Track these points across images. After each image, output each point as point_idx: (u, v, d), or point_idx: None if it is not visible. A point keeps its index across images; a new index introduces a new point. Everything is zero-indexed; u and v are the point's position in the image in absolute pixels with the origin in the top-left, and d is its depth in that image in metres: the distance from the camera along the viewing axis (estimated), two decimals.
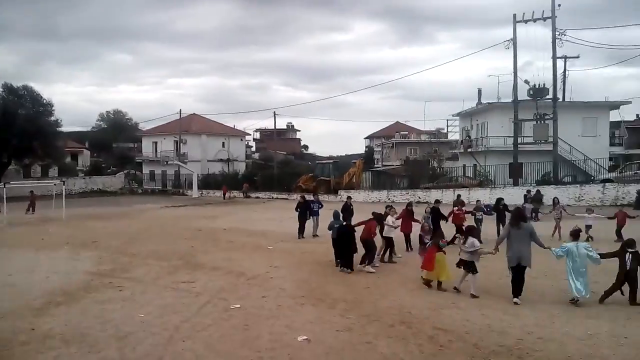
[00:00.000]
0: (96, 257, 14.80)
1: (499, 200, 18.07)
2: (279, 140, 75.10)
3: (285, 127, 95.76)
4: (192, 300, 9.84)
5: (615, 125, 46.01)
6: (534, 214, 21.28)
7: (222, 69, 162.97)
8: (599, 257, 9.32)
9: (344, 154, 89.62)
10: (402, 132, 71.06)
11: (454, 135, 58.85)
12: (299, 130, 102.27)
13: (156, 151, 63.08)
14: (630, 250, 9.31)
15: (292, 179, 46.05)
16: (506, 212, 17.51)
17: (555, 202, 18.93)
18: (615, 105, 42.29)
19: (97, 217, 27.63)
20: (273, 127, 61.30)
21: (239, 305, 9.33)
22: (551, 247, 9.69)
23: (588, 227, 16.38)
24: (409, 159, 54.06)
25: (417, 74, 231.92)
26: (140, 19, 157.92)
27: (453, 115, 52.29)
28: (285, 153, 75.27)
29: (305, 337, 7.52)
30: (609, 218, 16.74)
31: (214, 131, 63.56)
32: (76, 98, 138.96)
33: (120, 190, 55.55)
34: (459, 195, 21.35)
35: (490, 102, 42.02)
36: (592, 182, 33.26)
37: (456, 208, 16.91)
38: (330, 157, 66.81)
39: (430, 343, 7.35)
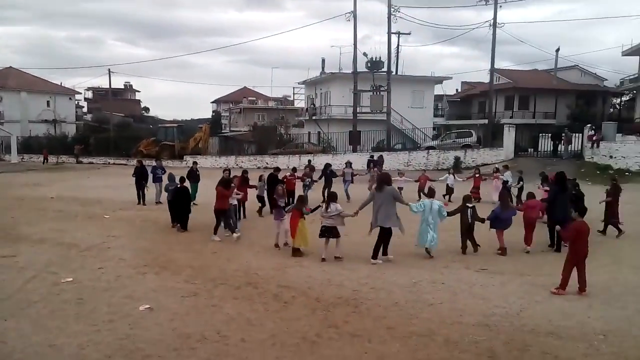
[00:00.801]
0: None
1: (327, 165, 19.06)
2: (115, 100, 69.15)
3: (122, 87, 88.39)
4: (14, 275, 8.80)
5: (438, 98, 51.46)
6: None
7: (45, 17, 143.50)
8: (446, 214, 10.47)
9: (189, 118, 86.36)
10: (250, 98, 70.57)
11: (300, 103, 60.51)
12: (139, 91, 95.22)
13: None
14: (469, 205, 10.76)
15: (132, 143, 43.09)
16: (332, 178, 18.52)
17: (371, 165, 20.61)
18: (439, 80, 47.24)
19: None
20: (108, 86, 56.12)
21: (71, 279, 8.59)
22: (410, 203, 10.33)
23: (400, 188, 18.36)
24: (257, 125, 54.05)
25: (265, 40, 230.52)
26: None
27: (299, 83, 53.54)
28: (123, 115, 69.62)
29: (147, 306, 7.25)
30: (415, 181, 19.05)
31: (37, 88, 56.15)
32: None
33: None
34: (309, 161, 22.03)
35: (333, 72, 43.80)
36: (418, 149, 37.02)
37: (289, 174, 17.20)
38: (174, 121, 63.84)
39: (275, 301, 7.63)
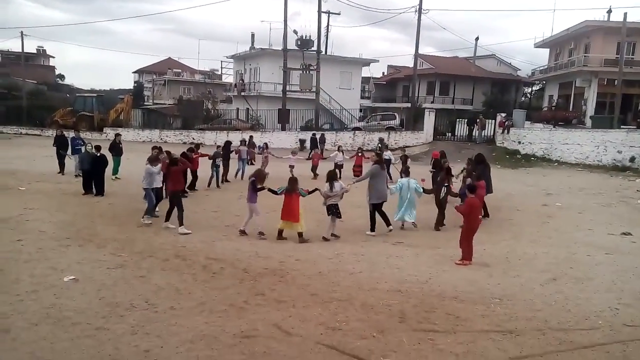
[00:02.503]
0: None
1: (229, 142, 18.74)
2: (27, 66, 64.23)
3: (35, 52, 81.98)
4: None
5: (365, 80, 52.67)
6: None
7: None
8: (422, 191, 11.46)
9: (108, 88, 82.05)
10: (175, 70, 68.19)
11: (228, 78, 59.46)
12: (53, 57, 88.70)
13: None
14: (445, 185, 11.75)
15: (46, 112, 40.56)
16: (230, 155, 18.15)
17: (263, 147, 20.52)
18: (367, 63, 48.36)
19: None
20: (20, 50, 51.98)
21: None
22: (388, 186, 11.21)
23: (291, 167, 19.04)
24: (182, 98, 52.58)
25: (192, 10, 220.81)
26: None
27: (228, 57, 52.54)
28: (35, 82, 64.90)
29: (72, 277, 7.24)
30: (307, 159, 19.90)
31: None
32: None
33: None
34: (251, 137, 22.01)
35: (263, 47, 43.42)
36: (345, 129, 37.91)
37: (193, 153, 15.83)
38: (92, 91, 60.50)
39: (204, 272, 7.88)
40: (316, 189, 10.41)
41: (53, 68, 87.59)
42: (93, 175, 14.30)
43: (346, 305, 6.62)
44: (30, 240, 9.15)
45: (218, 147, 18.52)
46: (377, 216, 10.86)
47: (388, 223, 10.92)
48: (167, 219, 10.75)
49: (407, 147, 31.59)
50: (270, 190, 10.22)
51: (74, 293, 6.71)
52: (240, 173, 18.66)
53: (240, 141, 20.38)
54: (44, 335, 5.43)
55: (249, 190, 10.32)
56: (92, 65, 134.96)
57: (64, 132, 19.65)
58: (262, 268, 8.13)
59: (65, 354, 5.06)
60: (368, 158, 19.93)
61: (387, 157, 19.74)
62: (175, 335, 5.54)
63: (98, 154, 14.37)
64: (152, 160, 11.53)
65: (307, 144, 31.20)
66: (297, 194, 9.94)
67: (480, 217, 10.24)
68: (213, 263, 8.31)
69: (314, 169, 19.70)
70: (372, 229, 10.81)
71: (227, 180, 17.90)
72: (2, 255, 8.17)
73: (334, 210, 10.23)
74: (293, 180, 10.24)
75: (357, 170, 19.27)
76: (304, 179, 13.17)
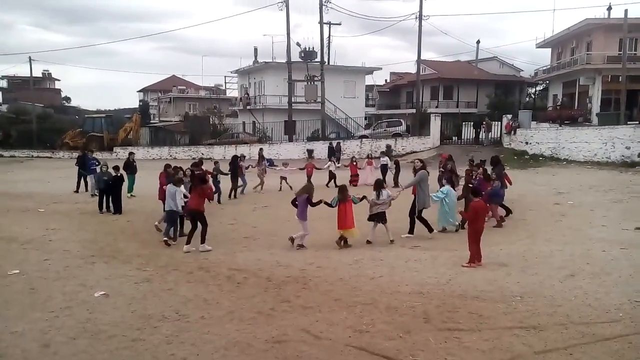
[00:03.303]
0: None
1: (235, 157, 18.51)
2: (34, 90, 65.13)
3: (41, 75, 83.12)
4: None
5: (369, 88, 53.02)
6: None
7: None
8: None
9: (114, 108, 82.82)
10: (179, 87, 68.81)
11: (233, 92, 59.97)
12: (59, 80, 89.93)
13: None
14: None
15: (55, 135, 41.09)
16: (237, 170, 17.82)
17: (262, 157, 19.92)
18: (370, 71, 48.69)
19: None
20: (27, 75, 52.86)
21: (17, 271, 8.56)
22: (430, 193, 11.41)
23: (283, 178, 19.05)
24: (188, 114, 53.08)
25: (193, 27, 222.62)
26: None
27: (232, 72, 53.11)
28: (42, 105, 65.77)
29: (103, 292, 7.46)
30: (300, 169, 19.79)
31: None
32: None
33: None
34: (261, 149, 21.97)
35: (267, 61, 43.89)
36: (352, 138, 38.16)
37: (197, 168, 14.99)
38: (99, 111, 61.30)
39: (229, 282, 8.08)
40: (364, 197, 10.65)
41: (59, 91, 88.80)
42: (111, 194, 14.65)
43: (371, 308, 6.78)
44: (56, 259, 9.40)
45: (216, 162, 18.08)
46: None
47: (430, 229, 11.20)
48: (189, 241, 10.17)
49: (414, 152, 31.94)
50: (326, 203, 10.33)
51: (106, 307, 6.93)
52: (242, 188, 18.29)
53: (240, 156, 19.38)
54: (83, 348, 5.65)
55: (301, 206, 10.25)
56: (97, 86, 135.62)
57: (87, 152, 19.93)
58: (284, 276, 8.31)
59: None
60: (361, 169, 20.24)
61: (384, 163, 20.10)
62: (209, 343, 5.73)
63: (118, 174, 14.77)
64: (177, 182, 11.02)
65: (315, 154, 31.54)
66: (349, 201, 10.20)
67: (486, 219, 10.40)
68: (236, 273, 8.50)
69: (309, 178, 18.91)
70: (411, 232, 11.20)
71: (235, 197, 17.62)
72: (32, 274, 8.42)
73: (380, 218, 10.53)
74: (343, 189, 10.45)
75: (354, 180, 19.60)
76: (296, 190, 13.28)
